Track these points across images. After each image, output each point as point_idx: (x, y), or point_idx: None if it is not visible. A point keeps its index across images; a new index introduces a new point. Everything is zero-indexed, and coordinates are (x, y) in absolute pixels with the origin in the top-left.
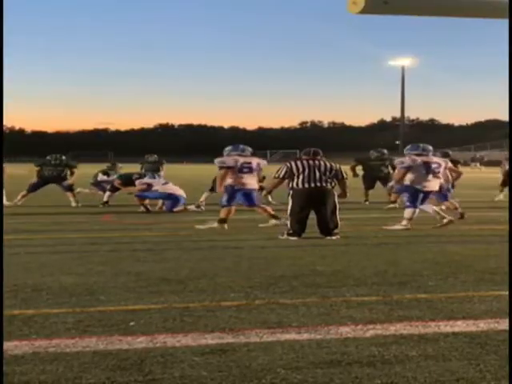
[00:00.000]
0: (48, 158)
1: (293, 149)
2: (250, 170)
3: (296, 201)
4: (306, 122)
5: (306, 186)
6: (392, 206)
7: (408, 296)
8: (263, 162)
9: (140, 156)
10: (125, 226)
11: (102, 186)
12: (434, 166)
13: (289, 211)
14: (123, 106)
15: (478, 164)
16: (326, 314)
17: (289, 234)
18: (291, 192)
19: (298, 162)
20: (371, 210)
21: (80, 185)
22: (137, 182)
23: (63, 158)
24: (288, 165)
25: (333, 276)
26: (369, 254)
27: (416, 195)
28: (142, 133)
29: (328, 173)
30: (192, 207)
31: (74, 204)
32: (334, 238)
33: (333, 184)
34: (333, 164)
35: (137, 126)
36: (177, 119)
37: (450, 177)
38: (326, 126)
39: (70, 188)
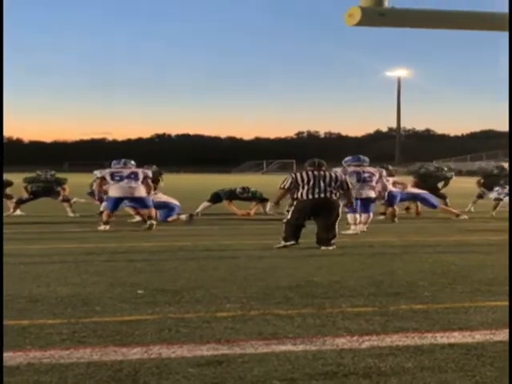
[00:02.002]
0: (38, 172)
1: (289, 158)
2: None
3: (297, 210)
4: (303, 132)
5: (311, 196)
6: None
7: (404, 307)
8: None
9: (138, 166)
10: (121, 235)
11: (98, 196)
12: (365, 175)
13: (285, 219)
14: (121, 116)
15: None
16: (322, 325)
17: (285, 239)
18: (295, 202)
19: (303, 173)
20: None
21: (76, 194)
22: None
23: (52, 173)
24: (293, 175)
25: (329, 287)
26: (365, 265)
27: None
28: (139, 142)
29: (333, 183)
30: (183, 217)
31: (70, 214)
32: (330, 248)
33: (337, 195)
34: (338, 175)
35: (134, 135)
36: (174, 129)
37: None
38: (322, 136)
39: (66, 199)
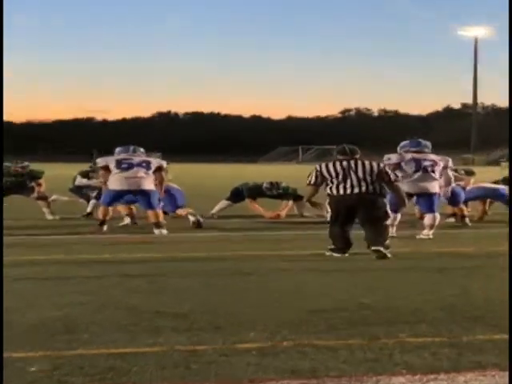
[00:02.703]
0: (6, 164)
1: (332, 144)
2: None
3: (332, 210)
4: (350, 110)
5: (342, 192)
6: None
7: (481, 337)
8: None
9: None
10: (113, 244)
11: (83, 193)
12: (426, 163)
13: (328, 219)
14: (112, 90)
15: None
16: (375, 360)
17: (332, 250)
18: (327, 200)
19: (330, 165)
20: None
21: (56, 190)
22: None
23: (25, 164)
24: (318, 168)
25: (384, 311)
26: (430, 282)
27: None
28: (136, 123)
29: (369, 176)
30: (191, 218)
31: (49, 217)
32: (381, 249)
33: (379, 190)
34: (374, 164)
35: (130, 114)
36: (181, 106)
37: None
38: (375, 114)
39: (43, 197)
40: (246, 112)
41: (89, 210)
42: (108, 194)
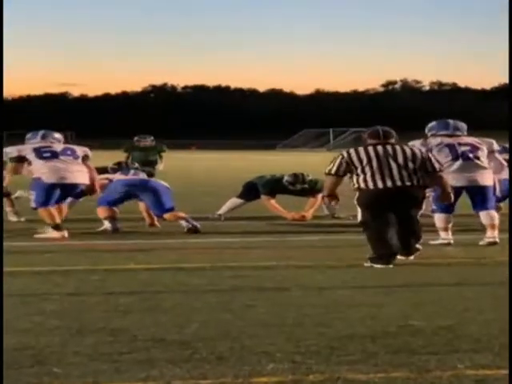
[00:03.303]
0: None
1: (372, 125)
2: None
3: (364, 208)
4: (394, 82)
5: (380, 185)
6: None
7: None
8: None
9: (123, 137)
10: (94, 253)
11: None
12: (463, 149)
13: (361, 224)
14: (94, 59)
15: None
16: None
17: (372, 260)
18: (357, 195)
19: (361, 150)
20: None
21: (21, 185)
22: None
23: None
24: (345, 154)
25: (436, 335)
26: (494, 299)
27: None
28: (124, 99)
29: (411, 164)
30: (183, 223)
31: (13, 218)
32: (411, 257)
33: (422, 182)
34: (416, 150)
35: (115, 88)
36: (180, 78)
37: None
38: (426, 88)
39: (5, 193)
40: (262, 85)
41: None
42: (42, 188)
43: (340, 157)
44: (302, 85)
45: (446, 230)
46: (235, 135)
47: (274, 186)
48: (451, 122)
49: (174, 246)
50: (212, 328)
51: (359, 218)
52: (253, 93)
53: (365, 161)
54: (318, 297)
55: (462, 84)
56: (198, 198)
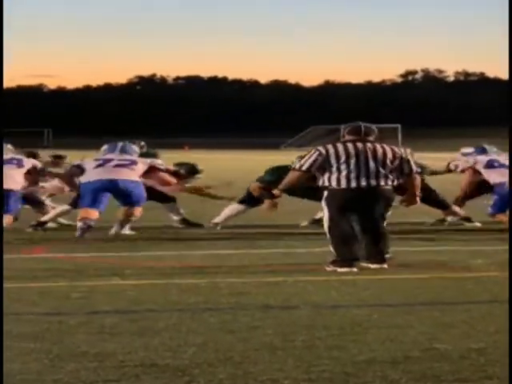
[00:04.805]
0: None
1: (389, 122)
2: None
3: (334, 208)
4: (414, 72)
5: (353, 184)
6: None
7: None
8: None
9: (106, 135)
10: (76, 266)
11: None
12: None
13: (326, 226)
14: (72, 48)
15: None
16: None
17: (335, 264)
18: (325, 195)
19: (339, 147)
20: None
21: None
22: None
23: None
24: (322, 150)
25: (464, 360)
26: None
27: None
28: (107, 93)
29: (389, 163)
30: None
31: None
32: (384, 265)
33: (395, 182)
34: (396, 150)
35: (97, 80)
36: (171, 69)
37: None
38: (451, 78)
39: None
40: (264, 76)
41: (45, 218)
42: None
43: (316, 152)
44: (308, 75)
45: None
46: (233, 133)
47: (282, 174)
48: (487, 146)
49: (166, 258)
50: (211, 352)
51: (324, 218)
52: (253, 84)
53: (343, 158)
54: (331, 316)
55: (490, 74)
56: (195, 204)
